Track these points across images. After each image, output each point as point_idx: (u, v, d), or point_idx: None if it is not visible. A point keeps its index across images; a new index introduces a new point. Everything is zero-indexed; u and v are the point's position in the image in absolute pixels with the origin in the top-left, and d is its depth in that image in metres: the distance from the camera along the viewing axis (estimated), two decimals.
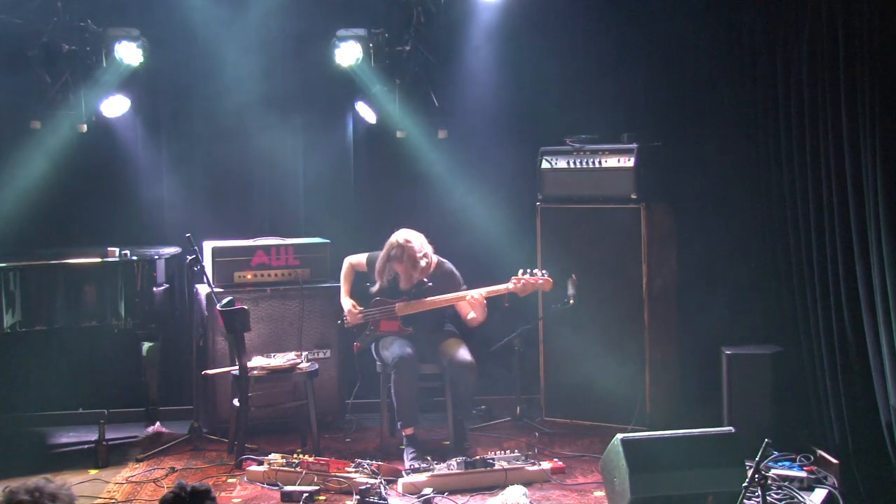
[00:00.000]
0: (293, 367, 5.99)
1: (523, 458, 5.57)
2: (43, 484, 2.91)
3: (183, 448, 6.18)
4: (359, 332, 6.17)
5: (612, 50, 6.70)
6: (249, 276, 6.52)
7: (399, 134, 6.94)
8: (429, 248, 6.06)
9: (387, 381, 6.02)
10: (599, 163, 6.39)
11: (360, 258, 6.30)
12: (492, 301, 6.05)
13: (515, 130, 7.01)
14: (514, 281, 6.00)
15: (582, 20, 6.70)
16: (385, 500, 5.13)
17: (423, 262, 5.98)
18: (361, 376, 6.40)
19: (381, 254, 6.06)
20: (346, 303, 6.21)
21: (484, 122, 7.03)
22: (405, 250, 5.96)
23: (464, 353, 5.96)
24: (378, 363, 6.13)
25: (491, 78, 6.98)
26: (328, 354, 6.57)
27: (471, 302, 6.00)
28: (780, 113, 5.92)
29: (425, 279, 6.08)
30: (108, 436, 6.01)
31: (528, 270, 6.02)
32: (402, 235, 6.01)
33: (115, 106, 6.68)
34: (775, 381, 5.83)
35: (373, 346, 6.16)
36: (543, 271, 6.04)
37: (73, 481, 5.55)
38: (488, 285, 6.04)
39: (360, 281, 6.29)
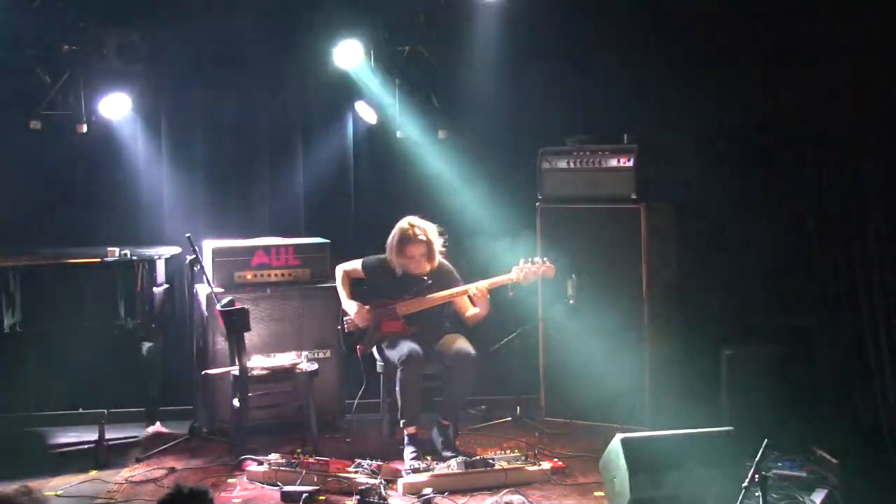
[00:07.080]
0: (293, 367, 5.99)
1: (523, 458, 5.57)
2: (15, 495, 2.87)
3: (183, 448, 6.18)
4: (361, 336, 6.16)
5: (611, 50, 6.69)
6: (249, 276, 6.52)
7: (399, 134, 6.94)
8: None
9: (389, 380, 6.01)
10: (599, 163, 6.38)
11: (355, 265, 6.26)
12: (494, 298, 6.05)
13: (515, 131, 7.00)
14: (516, 271, 6.01)
15: (581, 20, 6.69)
16: (385, 500, 5.12)
17: (436, 244, 6.03)
18: (367, 379, 6.34)
19: (393, 239, 6.03)
20: (352, 306, 6.13)
21: (484, 123, 7.01)
22: (419, 231, 5.99)
23: (465, 345, 5.95)
24: (379, 363, 6.13)
25: (491, 78, 6.97)
26: (328, 354, 6.55)
27: (474, 295, 6.00)
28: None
29: (425, 276, 6.09)
30: (108, 436, 6.01)
31: (530, 259, 6.04)
32: (410, 219, 6.05)
33: (115, 106, 6.67)
34: (775, 381, 5.83)
35: (374, 346, 6.16)
36: (544, 258, 6.05)
37: (73, 481, 5.56)
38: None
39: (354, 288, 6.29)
